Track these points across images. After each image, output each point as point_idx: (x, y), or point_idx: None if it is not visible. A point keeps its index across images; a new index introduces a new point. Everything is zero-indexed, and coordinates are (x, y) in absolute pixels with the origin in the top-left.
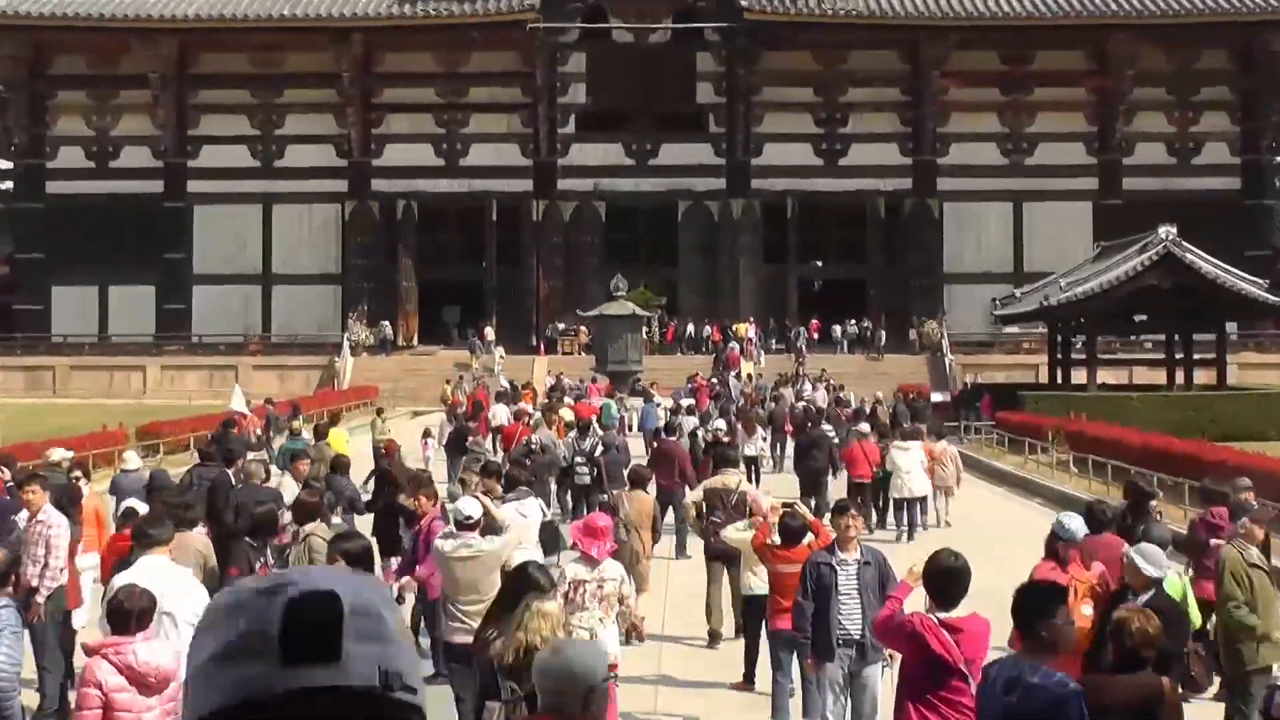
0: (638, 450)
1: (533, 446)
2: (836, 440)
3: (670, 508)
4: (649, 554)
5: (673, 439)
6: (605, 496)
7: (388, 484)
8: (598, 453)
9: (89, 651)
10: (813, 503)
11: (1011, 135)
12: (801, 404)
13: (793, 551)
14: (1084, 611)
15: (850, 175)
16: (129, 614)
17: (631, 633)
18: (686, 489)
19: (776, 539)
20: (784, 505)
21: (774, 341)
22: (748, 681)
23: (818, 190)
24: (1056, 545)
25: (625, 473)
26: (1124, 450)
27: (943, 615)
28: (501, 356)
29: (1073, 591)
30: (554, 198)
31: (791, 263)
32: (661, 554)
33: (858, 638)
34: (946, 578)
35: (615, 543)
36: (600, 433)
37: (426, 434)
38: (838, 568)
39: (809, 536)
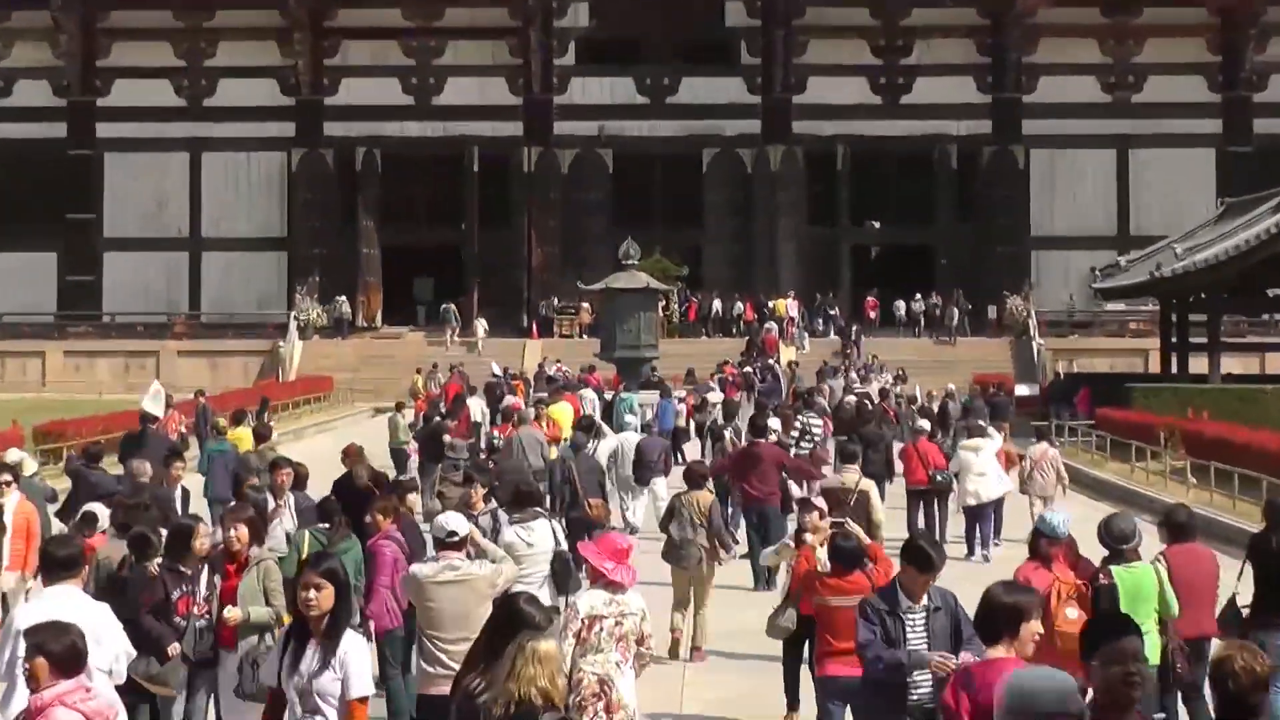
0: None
1: (493, 444)
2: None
3: (765, 527)
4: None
5: (765, 440)
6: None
7: (352, 496)
8: (567, 459)
9: (38, 709)
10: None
11: (1115, 66)
12: (851, 398)
13: (847, 580)
14: (1068, 614)
15: (915, 116)
16: (80, 655)
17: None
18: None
19: (824, 563)
20: (833, 523)
21: (820, 321)
22: (793, 708)
23: (875, 135)
24: (1040, 542)
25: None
26: (1256, 457)
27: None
28: (484, 332)
29: (1055, 594)
30: (550, 144)
31: (843, 225)
32: (731, 582)
33: (929, 705)
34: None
35: (677, 545)
36: (609, 433)
37: (413, 427)
38: (903, 616)
39: (866, 563)
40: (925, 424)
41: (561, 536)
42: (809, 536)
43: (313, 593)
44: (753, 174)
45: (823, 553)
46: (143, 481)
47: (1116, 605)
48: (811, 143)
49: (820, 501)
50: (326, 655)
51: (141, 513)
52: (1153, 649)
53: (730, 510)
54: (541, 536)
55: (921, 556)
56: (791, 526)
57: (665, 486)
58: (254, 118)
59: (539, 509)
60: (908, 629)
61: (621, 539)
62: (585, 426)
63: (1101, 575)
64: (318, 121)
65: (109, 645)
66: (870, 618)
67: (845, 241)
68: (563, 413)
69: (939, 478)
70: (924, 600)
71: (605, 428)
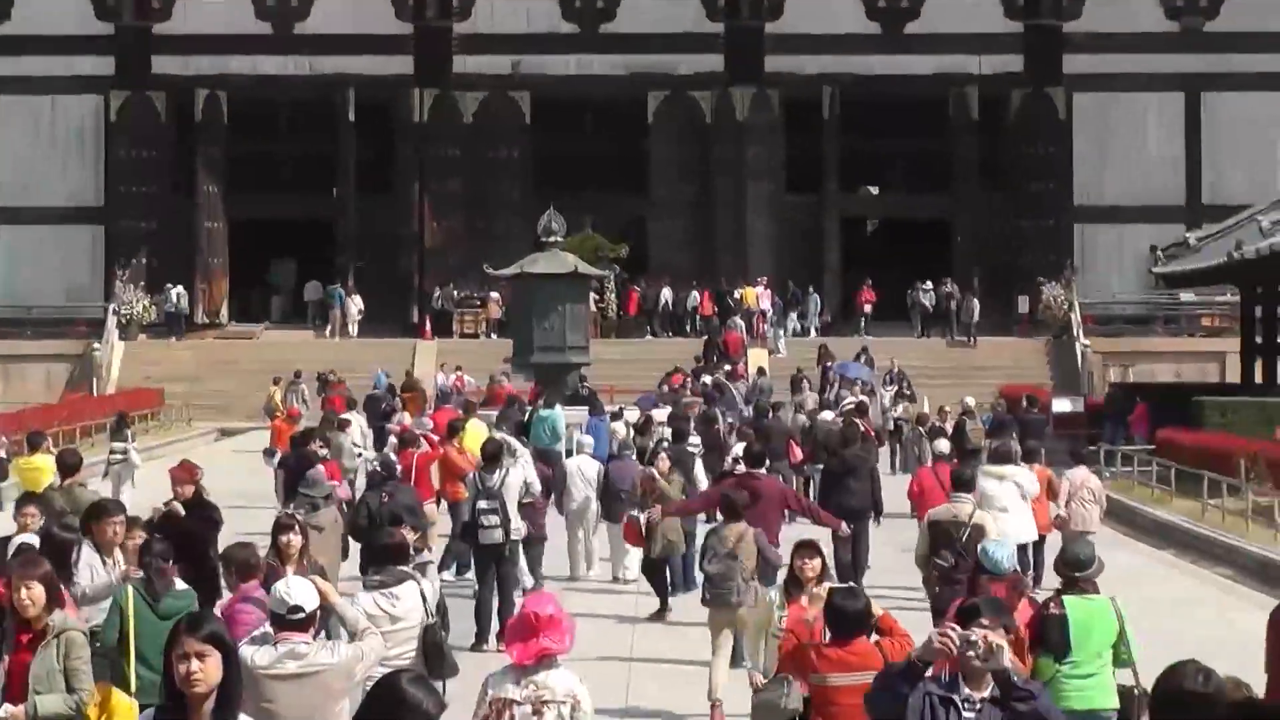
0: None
1: (382, 475)
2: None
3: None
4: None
5: (765, 474)
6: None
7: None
8: (504, 486)
9: None
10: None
11: None
12: (828, 415)
13: (850, 650)
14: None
15: (924, 50)
16: None
17: None
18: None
19: (811, 622)
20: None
21: (802, 316)
22: None
23: (872, 74)
24: (979, 579)
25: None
26: None
27: None
28: (359, 312)
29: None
30: (448, 85)
31: (829, 191)
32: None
33: None
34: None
35: (715, 582)
36: (518, 458)
37: (269, 453)
38: (964, 710)
39: (872, 635)
40: (945, 445)
41: (433, 603)
42: (806, 598)
43: (195, 664)
44: (713, 125)
45: (814, 611)
46: None
47: (1065, 638)
48: (790, 85)
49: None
50: None
51: None
52: (1104, 691)
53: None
54: (409, 605)
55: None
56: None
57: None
58: (60, 49)
59: (405, 569)
60: None
61: (542, 601)
62: (491, 454)
63: (1052, 605)
64: (144, 56)
65: None
66: (893, 687)
67: (833, 213)
68: (478, 437)
69: None
70: (987, 690)
71: (519, 446)
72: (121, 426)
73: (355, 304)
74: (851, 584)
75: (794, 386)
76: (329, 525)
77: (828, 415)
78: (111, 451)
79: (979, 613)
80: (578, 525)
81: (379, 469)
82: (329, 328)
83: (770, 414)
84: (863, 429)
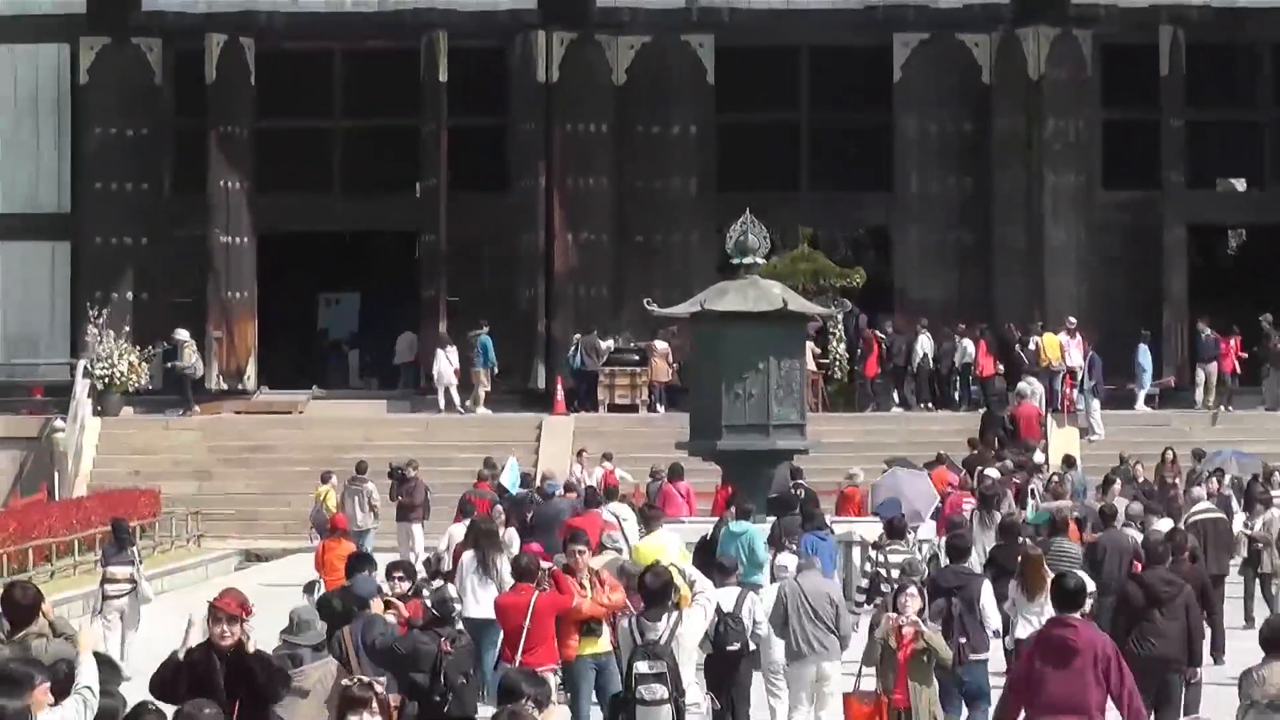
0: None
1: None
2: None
3: None
4: None
5: (1083, 618)
6: None
7: None
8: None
9: None
10: None
11: None
12: (1161, 526)
13: None
14: None
15: None
16: None
17: None
18: None
19: None
20: None
21: (1128, 377)
22: None
23: (1235, 6)
24: None
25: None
26: None
27: None
28: (456, 373)
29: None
30: (591, 27)
31: (1170, 184)
32: None
33: None
34: None
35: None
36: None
37: (310, 588)
38: None
39: None
40: None
41: None
42: None
43: None
44: (994, 85)
45: None
46: None
47: None
48: (1110, 23)
49: None
50: None
51: None
52: None
53: None
54: None
55: None
56: None
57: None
58: None
59: None
60: None
61: None
62: (656, 592)
63: None
64: None
65: None
66: None
67: (1175, 218)
68: (660, 551)
69: None
70: None
71: (700, 579)
72: (123, 542)
73: (450, 360)
74: None
75: (1105, 486)
76: (315, 685)
77: (1165, 525)
78: (107, 580)
79: None
80: (800, 690)
81: (432, 608)
82: (443, 396)
83: (1102, 523)
84: (1190, 545)
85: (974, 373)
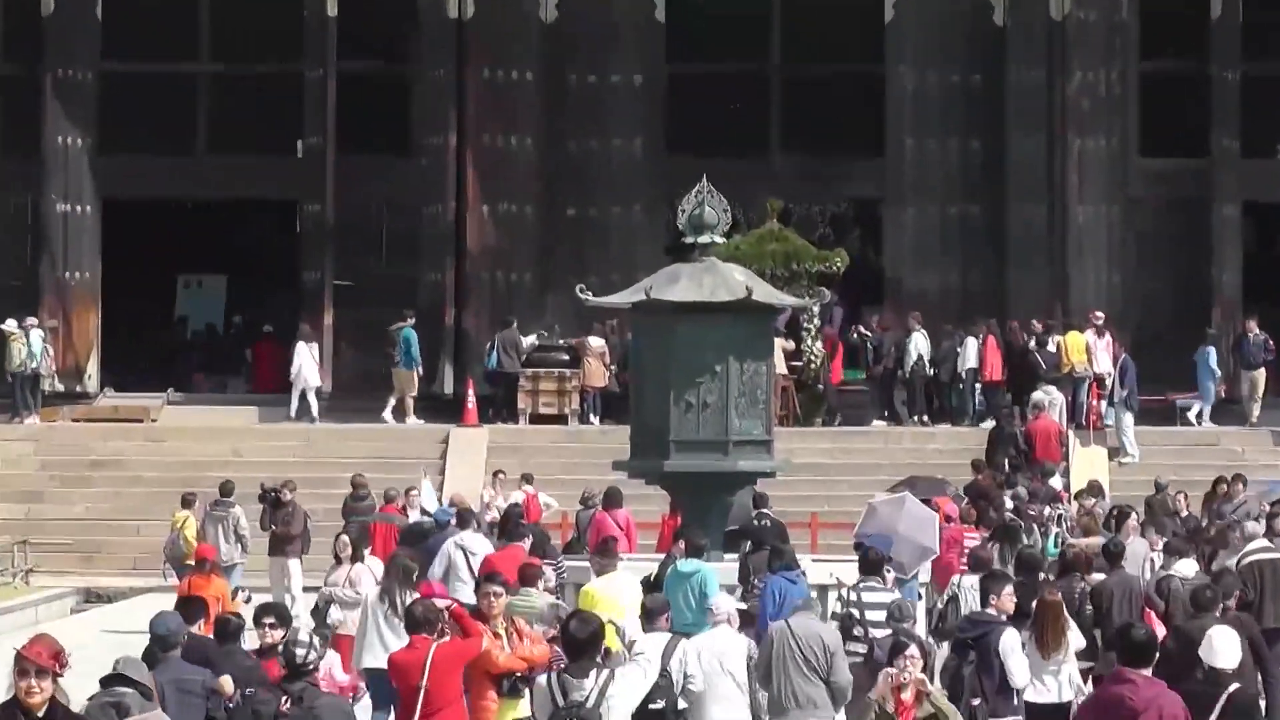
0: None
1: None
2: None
3: None
4: None
5: (1149, 676)
6: None
7: None
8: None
9: None
10: None
11: None
12: (1185, 568)
13: None
14: None
15: None
16: None
17: None
18: None
19: None
20: None
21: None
22: None
23: None
24: None
25: None
26: None
27: None
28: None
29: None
30: None
31: (1222, 151)
32: None
33: None
34: None
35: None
36: (633, 654)
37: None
38: None
39: None
40: None
41: None
42: None
43: None
44: (1009, 27)
45: None
46: None
47: None
48: None
49: None
50: None
51: None
52: None
53: None
54: None
55: None
56: None
57: None
58: None
59: None
60: None
61: None
62: (584, 643)
63: None
64: None
65: None
66: None
67: (1228, 192)
68: (617, 596)
69: None
70: None
71: (642, 638)
72: None
73: (313, 357)
74: None
75: (1119, 521)
76: None
77: (1187, 567)
78: None
79: None
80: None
81: (297, 652)
82: (296, 400)
83: (1107, 564)
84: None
85: (980, 380)
